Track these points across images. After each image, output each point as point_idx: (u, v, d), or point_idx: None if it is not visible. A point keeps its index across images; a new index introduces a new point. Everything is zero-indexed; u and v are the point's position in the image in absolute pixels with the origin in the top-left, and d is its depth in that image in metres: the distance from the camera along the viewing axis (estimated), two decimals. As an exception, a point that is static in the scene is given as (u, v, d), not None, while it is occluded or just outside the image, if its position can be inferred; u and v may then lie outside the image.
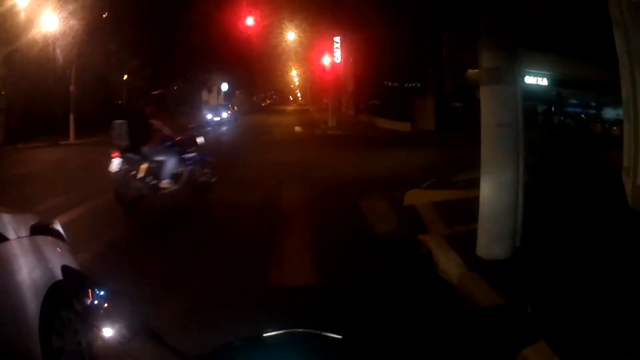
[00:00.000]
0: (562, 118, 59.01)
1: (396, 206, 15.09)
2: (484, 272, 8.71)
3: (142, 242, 12.30)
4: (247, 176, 21.34)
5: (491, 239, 9.56)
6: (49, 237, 5.79)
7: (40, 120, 42.23)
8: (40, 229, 5.61)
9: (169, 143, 15.98)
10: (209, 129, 54.34)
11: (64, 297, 5.38)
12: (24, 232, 5.25)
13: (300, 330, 2.73)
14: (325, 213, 14.93)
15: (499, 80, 9.46)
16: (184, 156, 16.36)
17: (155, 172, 15.49)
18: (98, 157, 31.32)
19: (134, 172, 15.05)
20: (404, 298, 8.19)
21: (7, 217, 5.03)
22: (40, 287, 4.95)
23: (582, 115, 58.08)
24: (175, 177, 16.02)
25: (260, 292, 8.67)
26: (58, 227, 6.20)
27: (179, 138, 16.46)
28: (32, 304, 4.73)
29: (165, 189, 15.64)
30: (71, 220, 13.63)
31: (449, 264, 9.46)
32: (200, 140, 17.45)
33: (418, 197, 15.59)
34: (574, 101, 60.11)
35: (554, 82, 54.28)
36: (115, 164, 14.93)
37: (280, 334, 2.71)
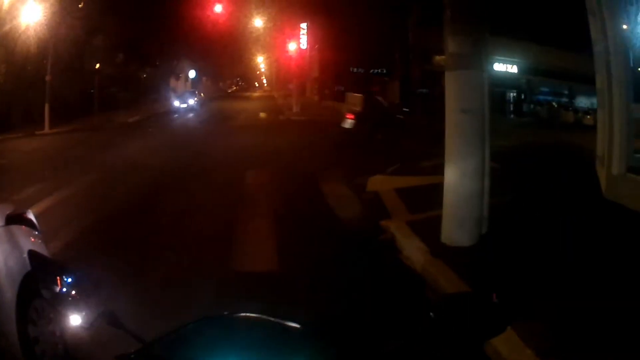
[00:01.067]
0: (532, 106, 59.41)
1: (359, 192, 14.92)
2: (449, 259, 8.57)
3: (114, 227, 12.17)
4: (213, 161, 21.34)
5: (455, 225, 9.37)
6: (23, 227, 5.84)
7: (17, 110, 41.78)
8: (15, 219, 5.68)
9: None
10: (176, 115, 54.38)
11: (38, 285, 5.41)
12: (2, 221, 5.36)
13: (252, 315, 2.83)
14: (288, 199, 14.75)
15: (465, 65, 9.29)
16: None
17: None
18: (71, 145, 31.44)
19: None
20: (367, 284, 8.11)
21: None
22: (16, 276, 5.02)
23: (554, 104, 58.38)
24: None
25: (222, 277, 8.60)
26: (31, 216, 6.28)
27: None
28: (8, 293, 4.78)
29: None
30: (45, 208, 13.53)
31: (413, 251, 9.32)
32: None
33: (381, 183, 15.39)
34: (545, 89, 60.57)
35: (525, 69, 54.64)
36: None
37: (231, 317, 2.86)
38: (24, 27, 38.08)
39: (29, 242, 5.76)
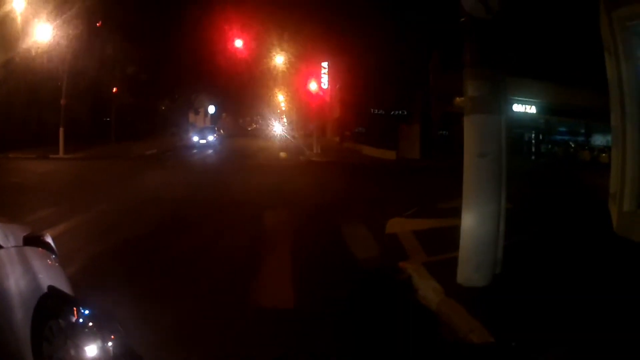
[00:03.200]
0: (549, 146, 59.27)
1: (378, 234, 15.19)
2: (463, 298, 8.82)
3: (129, 255, 12.40)
4: (232, 199, 21.49)
5: (471, 267, 9.67)
6: (40, 249, 5.69)
7: (31, 130, 42.21)
8: (32, 240, 5.59)
9: None
10: (195, 150, 54.47)
11: (53, 309, 5.09)
12: (18, 242, 5.31)
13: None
14: (308, 239, 14.97)
15: (483, 109, 9.62)
16: None
17: None
18: (86, 172, 31.60)
19: None
20: (384, 322, 8.33)
21: (2, 226, 5.11)
22: (32, 297, 4.91)
23: (571, 144, 58.36)
24: None
25: (239, 315, 8.67)
26: (49, 239, 6.17)
27: None
28: (23, 312, 4.72)
29: None
30: (60, 232, 13.74)
31: (429, 291, 9.58)
32: None
33: (400, 226, 15.73)
34: (562, 129, 60.50)
35: (543, 109, 54.62)
36: None
37: None
38: (39, 48, 38.28)
39: (46, 265, 5.66)
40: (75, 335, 4.66)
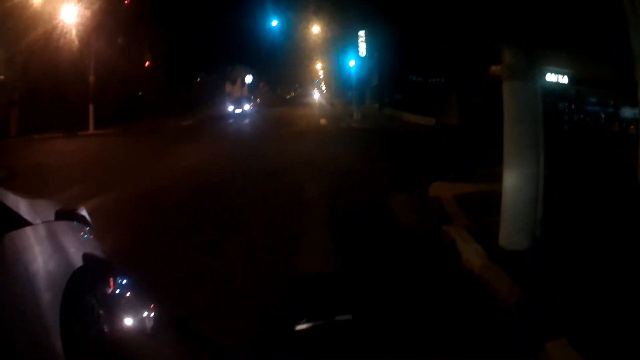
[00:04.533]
0: (581, 116, 58.57)
1: (421, 198, 15.40)
2: (505, 262, 8.89)
3: (165, 232, 12.24)
4: (273, 167, 21.46)
5: (513, 229, 9.79)
6: (74, 223, 5.65)
7: (57, 111, 40.62)
8: (66, 215, 5.52)
9: None
10: (231, 120, 54.30)
11: (88, 283, 5.15)
12: (50, 217, 5.14)
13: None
14: (351, 203, 15.10)
15: (520, 76, 9.73)
16: None
17: None
18: (115, 147, 30.67)
19: None
20: (428, 286, 8.37)
21: (31, 203, 4.91)
22: (65, 272, 4.78)
23: (601, 115, 57.75)
24: None
25: (285, 280, 8.79)
26: (84, 212, 6.06)
27: None
28: (55, 289, 4.51)
29: None
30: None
31: (471, 254, 9.64)
32: None
33: (442, 190, 15.79)
34: (593, 99, 59.79)
35: (574, 80, 53.98)
36: None
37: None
38: (67, 26, 38.02)
39: (80, 238, 5.60)
40: (112, 306, 4.83)
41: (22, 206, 4.69)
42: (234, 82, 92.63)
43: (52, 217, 5.18)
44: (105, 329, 5.16)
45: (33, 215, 4.76)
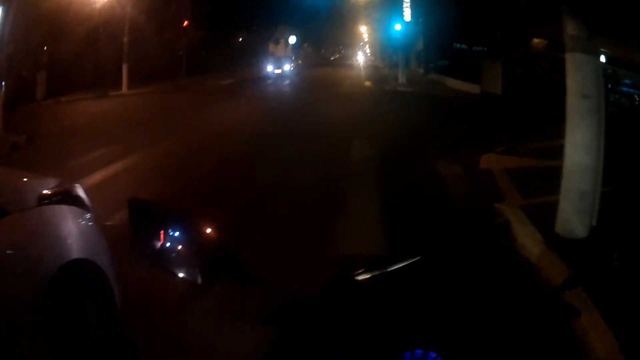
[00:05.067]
0: (617, 96, 57.86)
1: (472, 170, 14.61)
2: (564, 252, 8.16)
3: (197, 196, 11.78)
4: (318, 129, 21.00)
5: (573, 215, 8.99)
6: (67, 207, 4.93)
7: (90, 73, 40.27)
8: (57, 196, 4.86)
9: None
10: (270, 81, 53.64)
11: (81, 275, 4.60)
12: (32, 203, 4.53)
13: None
14: (398, 173, 14.38)
15: (585, 49, 8.97)
16: None
17: None
18: (144, 107, 30.43)
19: None
20: (479, 272, 7.62)
21: (11, 187, 4.55)
22: (46, 273, 4.12)
23: (636, 97, 56.88)
24: None
25: (327, 256, 8.28)
26: (80, 192, 5.36)
27: None
28: (39, 285, 3.99)
29: None
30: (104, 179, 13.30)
31: (527, 239, 9.01)
32: None
33: (493, 162, 14.97)
34: (627, 81, 58.97)
35: (611, 60, 53.22)
36: None
37: None
38: None
39: (72, 226, 4.85)
40: (163, 261, 3.97)
41: (9, 192, 4.38)
42: (277, 42, 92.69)
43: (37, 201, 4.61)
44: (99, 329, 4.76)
45: (17, 200, 4.36)
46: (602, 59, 49.11)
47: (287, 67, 65.47)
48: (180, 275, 3.42)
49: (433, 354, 2.61)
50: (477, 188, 12.95)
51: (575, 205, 8.98)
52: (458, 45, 60.26)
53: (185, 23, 54.33)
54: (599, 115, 8.94)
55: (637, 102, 53.55)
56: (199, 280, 3.25)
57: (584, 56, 8.97)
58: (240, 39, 75.93)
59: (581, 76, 9.02)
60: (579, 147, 8.98)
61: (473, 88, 48.75)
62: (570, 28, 9.05)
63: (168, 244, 3.57)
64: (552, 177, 9.41)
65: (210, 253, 3.27)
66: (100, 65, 40.70)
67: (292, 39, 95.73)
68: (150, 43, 44.76)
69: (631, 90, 56.93)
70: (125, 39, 40.75)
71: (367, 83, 52.76)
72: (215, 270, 3.13)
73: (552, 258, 8.13)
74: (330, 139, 18.44)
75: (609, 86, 55.52)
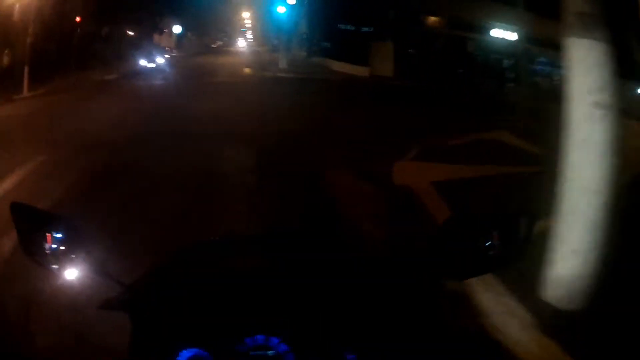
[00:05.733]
0: (532, 77, 57.68)
1: (383, 187, 10.14)
2: (564, 337, 5.00)
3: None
4: (178, 131, 16.44)
5: (570, 267, 5.78)
6: None
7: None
8: None
9: None
10: (144, 75, 50.49)
11: None
12: None
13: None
14: (275, 197, 9.70)
15: (595, 33, 5.80)
16: None
17: None
18: (37, 111, 27.37)
19: None
20: None
21: None
22: None
23: (552, 76, 56.39)
24: None
25: None
26: None
27: None
28: None
29: None
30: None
31: (504, 318, 5.54)
32: None
33: (412, 173, 10.91)
34: (542, 59, 58.45)
35: (523, 38, 52.76)
36: None
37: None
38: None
39: None
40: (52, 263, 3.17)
41: None
42: (161, 33, 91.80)
43: None
44: None
45: None
46: (515, 36, 48.92)
47: (161, 59, 61.52)
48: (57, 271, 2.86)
49: (275, 340, 2.35)
50: (398, 220, 8.52)
51: (574, 266, 5.79)
52: (344, 26, 60.44)
53: (78, 19, 53.80)
54: (614, 133, 5.78)
55: (555, 82, 52.43)
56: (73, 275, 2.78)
57: (593, 42, 5.88)
58: (131, 33, 74.55)
59: (591, 72, 5.85)
60: (581, 183, 5.85)
61: (362, 71, 47.97)
62: (574, 4, 5.95)
63: (54, 245, 3.03)
64: (504, 194, 7.16)
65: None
66: (6, 69, 40.04)
67: (177, 29, 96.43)
68: (51, 42, 45.51)
69: (546, 69, 56.07)
70: (28, 40, 40.16)
71: (247, 70, 50.72)
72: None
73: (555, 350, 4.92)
74: (194, 144, 14.01)
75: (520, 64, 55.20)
